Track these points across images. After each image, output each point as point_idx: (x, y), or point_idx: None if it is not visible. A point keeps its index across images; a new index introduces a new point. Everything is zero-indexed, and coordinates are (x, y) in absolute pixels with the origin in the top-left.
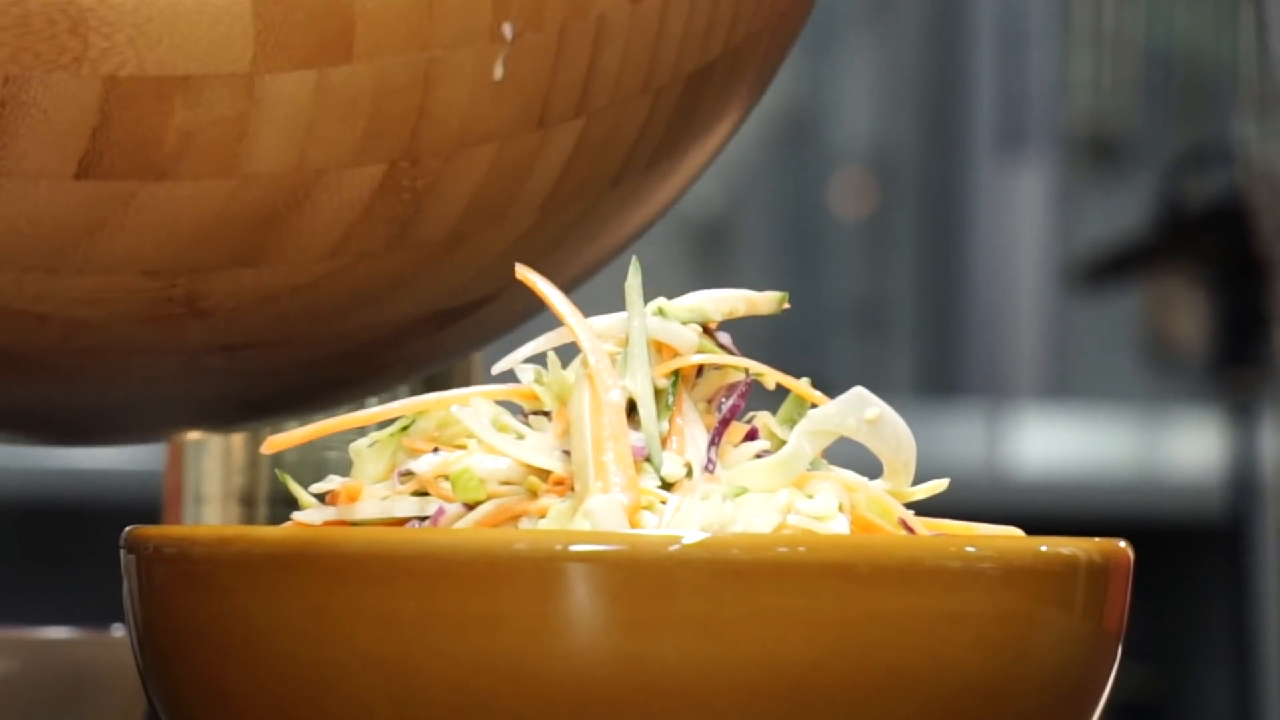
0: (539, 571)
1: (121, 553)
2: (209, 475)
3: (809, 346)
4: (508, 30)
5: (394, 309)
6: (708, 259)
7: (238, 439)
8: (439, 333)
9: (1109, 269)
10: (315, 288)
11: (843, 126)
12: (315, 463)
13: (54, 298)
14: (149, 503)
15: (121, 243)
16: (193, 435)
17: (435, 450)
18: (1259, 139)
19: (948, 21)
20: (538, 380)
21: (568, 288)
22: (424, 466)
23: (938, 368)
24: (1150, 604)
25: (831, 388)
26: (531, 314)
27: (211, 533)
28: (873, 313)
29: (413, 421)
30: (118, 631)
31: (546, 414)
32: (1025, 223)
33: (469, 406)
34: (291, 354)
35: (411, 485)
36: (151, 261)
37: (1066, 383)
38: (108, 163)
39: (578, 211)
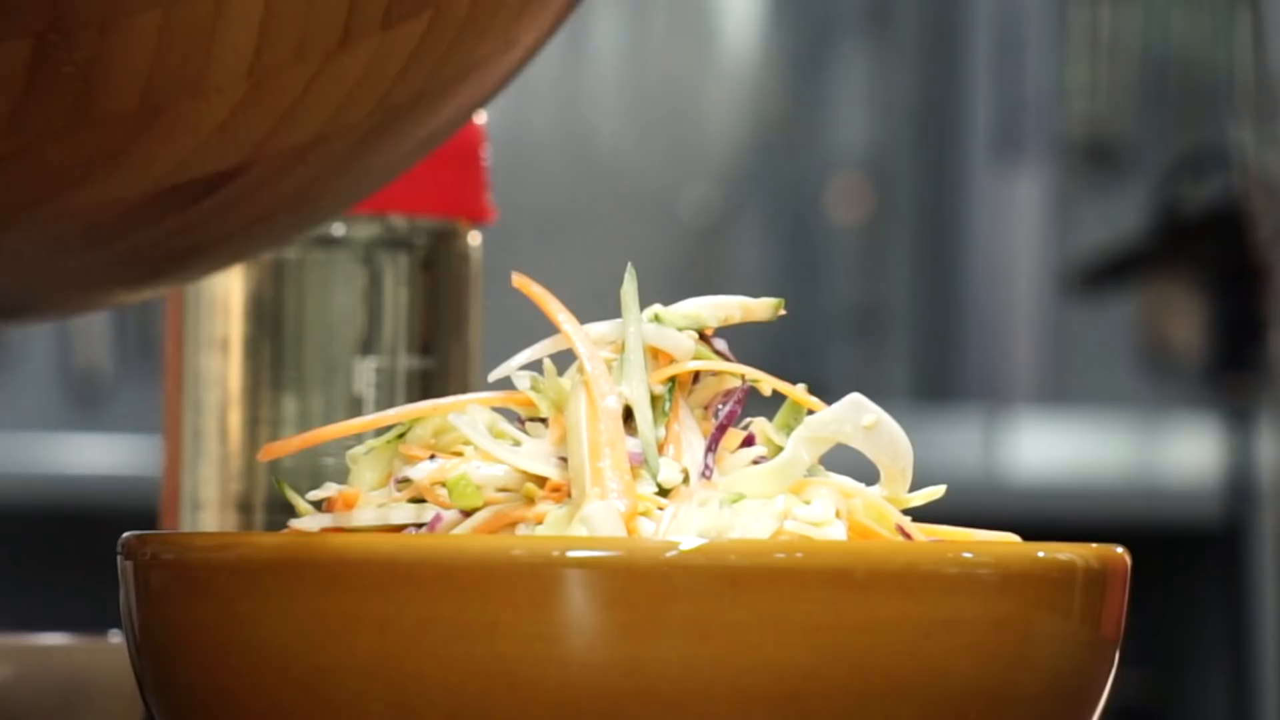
0: (536, 577)
1: (118, 558)
2: (206, 481)
3: (806, 352)
4: None
5: (112, 186)
6: (705, 263)
7: (235, 444)
8: (189, 209)
9: (1106, 274)
10: (4, 167)
11: (839, 132)
12: (312, 469)
13: None
14: (146, 508)
15: None
16: None
17: (432, 457)
18: (1256, 144)
19: (944, 27)
20: (534, 387)
21: (356, 186)
22: (421, 473)
23: (935, 373)
24: (1148, 609)
25: (828, 393)
26: (298, 199)
27: (208, 539)
28: (870, 318)
29: (409, 429)
30: (115, 638)
31: (543, 420)
32: (1022, 228)
33: (465, 413)
34: (16, 239)
35: (408, 492)
36: None
37: (1063, 388)
38: None
39: (303, 77)
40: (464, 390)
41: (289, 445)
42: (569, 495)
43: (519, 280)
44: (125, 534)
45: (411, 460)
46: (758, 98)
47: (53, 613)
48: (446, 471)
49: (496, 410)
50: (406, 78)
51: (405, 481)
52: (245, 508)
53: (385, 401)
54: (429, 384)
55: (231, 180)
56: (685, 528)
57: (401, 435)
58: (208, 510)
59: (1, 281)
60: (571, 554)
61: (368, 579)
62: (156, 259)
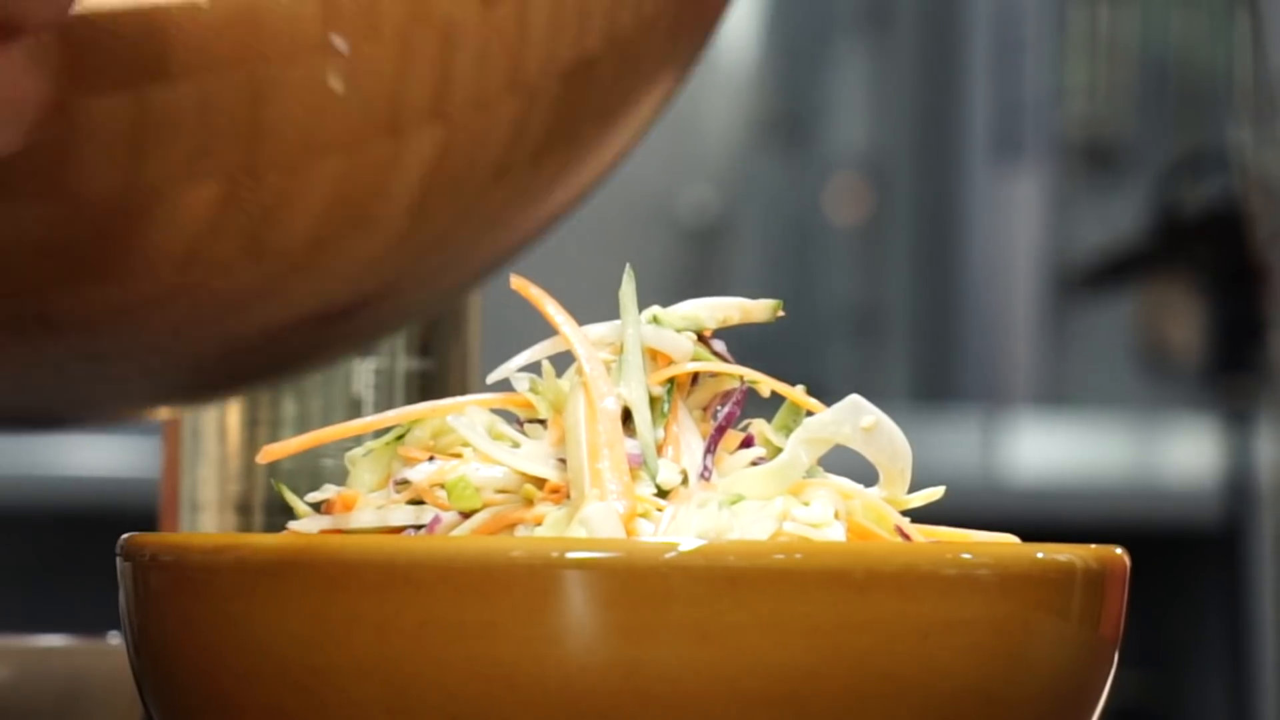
0: (535, 579)
1: (118, 560)
2: (205, 482)
3: (805, 352)
4: (340, 43)
5: (267, 313)
6: (703, 265)
7: (234, 446)
8: (325, 331)
9: (1104, 275)
10: (172, 299)
11: (838, 132)
12: (311, 471)
13: None
14: (145, 510)
15: None
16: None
17: (431, 459)
18: (1254, 145)
19: (943, 28)
20: (533, 389)
21: (476, 279)
22: (419, 475)
23: (933, 374)
24: (1146, 610)
25: (827, 394)
26: (424, 311)
27: (207, 540)
28: (868, 319)
29: (408, 430)
30: (114, 639)
31: (542, 422)
32: (1021, 229)
33: (464, 415)
34: (162, 360)
35: (407, 494)
36: None
37: (1062, 389)
38: None
39: (454, 212)
40: (463, 392)
41: (288, 447)
42: (568, 497)
43: (517, 282)
44: (124, 536)
45: (410, 462)
46: (756, 98)
47: (52, 614)
48: (445, 473)
49: (495, 412)
50: (543, 203)
51: (404, 483)
52: (244, 509)
53: (384, 403)
54: (428, 385)
55: (369, 305)
56: (684, 529)
57: (400, 437)
58: (207, 512)
59: (93, 394)
60: (570, 555)
61: (366, 580)
62: (262, 374)
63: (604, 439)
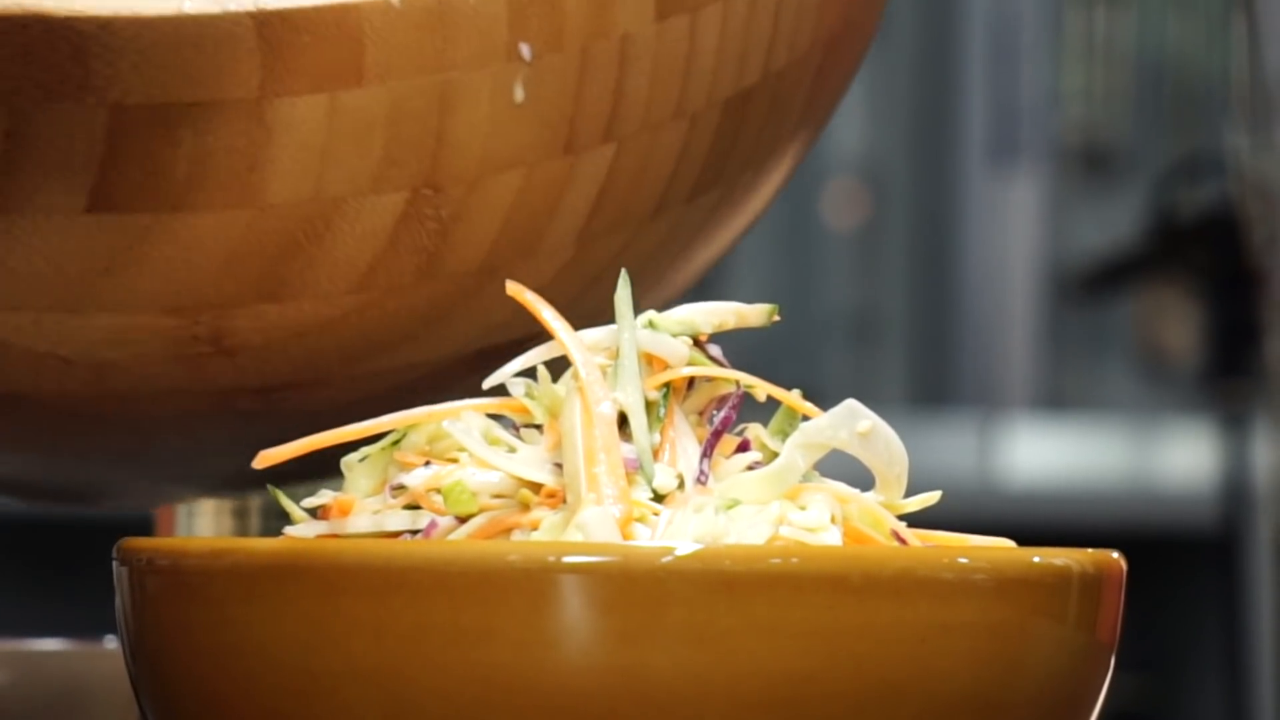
0: (532, 583)
1: (114, 564)
2: None
3: (801, 357)
4: (526, 50)
5: (429, 346)
6: None
7: None
8: (474, 376)
9: (1101, 280)
10: (344, 322)
11: (835, 137)
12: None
13: (76, 339)
14: (141, 514)
15: (140, 278)
16: (225, 498)
17: (427, 464)
18: (1251, 149)
19: (940, 32)
20: (529, 394)
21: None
22: (416, 480)
23: (930, 378)
24: (1143, 614)
25: (824, 398)
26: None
27: (204, 544)
28: (865, 323)
29: (404, 436)
30: (110, 643)
31: (538, 427)
32: (1017, 233)
33: (460, 420)
34: (327, 396)
35: (404, 499)
36: (172, 298)
37: (1059, 393)
38: (119, 195)
39: (617, 244)
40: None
41: (284, 453)
42: (564, 501)
43: (513, 288)
44: (121, 540)
45: (406, 468)
46: None
47: (49, 618)
48: (441, 478)
49: (491, 417)
50: (692, 249)
51: (400, 488)
52: (241, 513)
53: None
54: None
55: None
56: (680, 534)
57: (396, 443)
58: (203, 516)
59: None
60: (567, 560)
61: (363, 585)
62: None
63: (600, 443)
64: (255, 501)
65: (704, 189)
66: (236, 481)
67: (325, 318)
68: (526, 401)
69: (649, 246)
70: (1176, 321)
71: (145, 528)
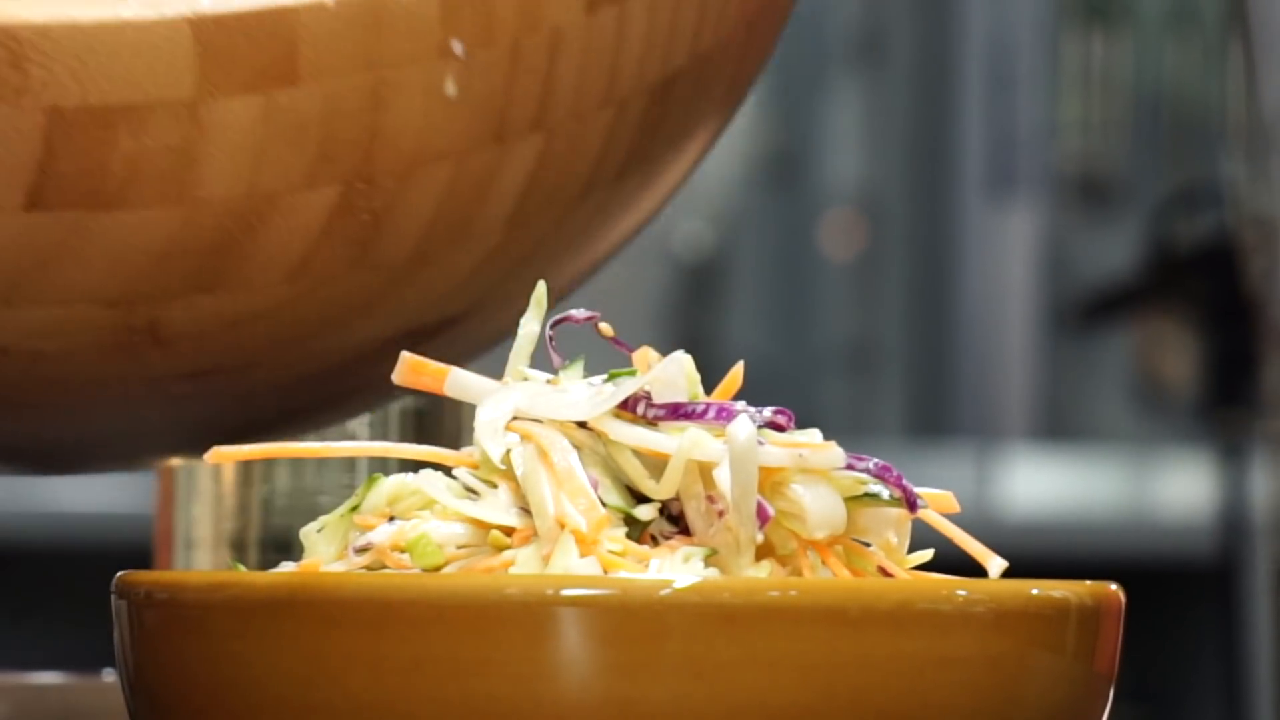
0: (530, 616)
1: (112, 598)
2: (200, 520)
3: (799, 387)
4: (457, 47)
5: (362, 330)
6: (698, 300)
7: (228, 483)
8: (415, 351)
9: (1099, 310)
10: (278, 312)
11: (832, 167)
12: (308, 507)
13: (12, 330)
14: (140, 547)
15: (76, 273)
16: (173, 461)
17: (390, 520)
18: (1248, 180)
19: (937, 63)
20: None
21: (551, 302)
22: (380, 536)
23: (928, 409)
24: (1142, 645)
25: (823, 429)
26: (505, 333)
27: (202, 578)
28: (863, 354)
29: (362, 500)
30: (108, 676)
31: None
32: (1015, 264)
33: (422, 475)
34: (261, 378)
35: (368, 558)
36: (108, 291)
37: (1057, 424)
38: (56, 193)
39: (545, 226)
40: (457, 429)
41: (238, 454)
42: (535, 536)
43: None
44: (119, 573)
45: (367, 530)
46: (750, 133)
47: (47, 652)
48: (406, 533)
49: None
50: (617, 224)
51: (364, 549)
52: (239, 546)
53: (378, 439)
54: (422, 421)
55: (455, 324)
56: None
57: (355, 508)
58: (201, 549)
59: (217, 420)
60: (565, 592)
61: (361, 618)
62: (350, 401)
63: (561, 470)
64: (254, 535)
65: (630, 170)
66: (173, 452)
67: (258, 307)
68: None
69: (576, 226)
70: (1174, 351)
71: (144, 561)
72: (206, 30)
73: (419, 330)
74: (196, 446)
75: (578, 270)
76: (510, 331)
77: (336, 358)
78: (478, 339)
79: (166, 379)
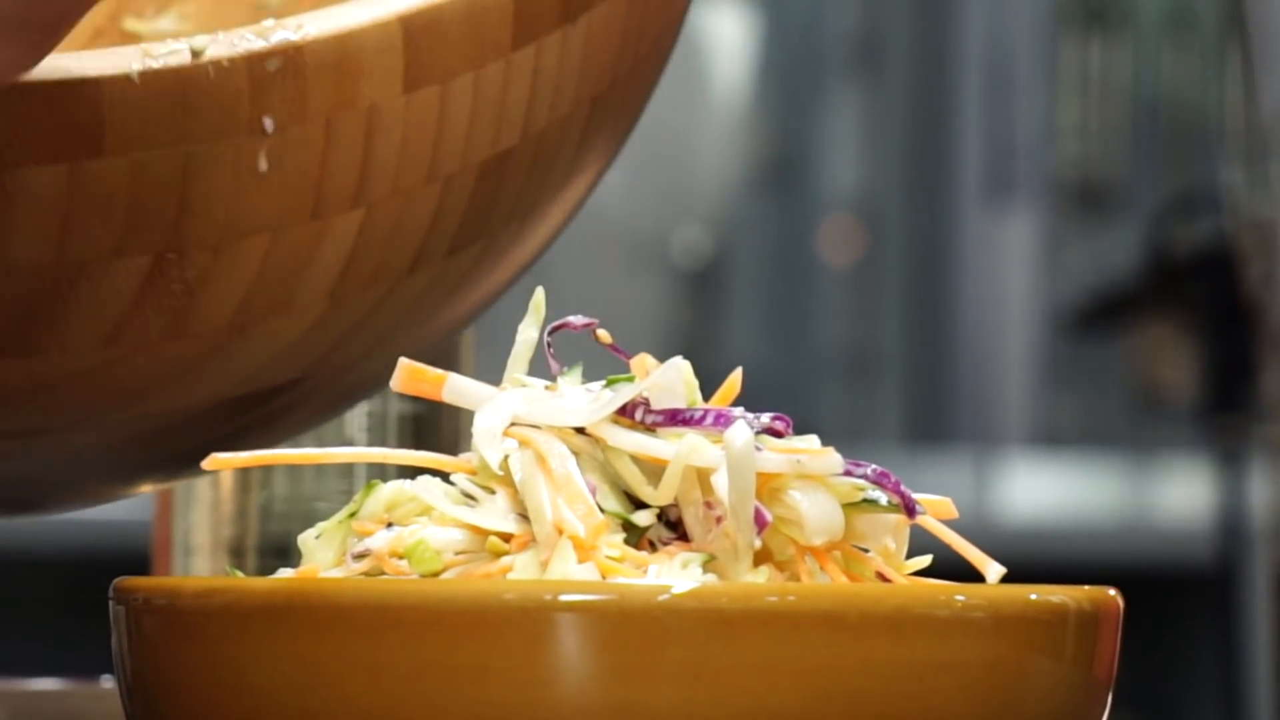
0: (528, 621)
1: (110, 604)
2: (198, 526)
3: (797, 394)
4: (269, 123)
5: (184, 394)
6: (697, 306)
7: (226, 489)
8: (241, 417)
9: (1097, 316)
10: (93, 375)
11: (831, 174)
12: (305, 513)
13: None
14: (138, 553)
15: None
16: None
17: (389, 526)
18: (1246, 186)
19: (935, 68)
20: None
21: (387, 373)
22: (378, 543)
23: (926, 415)
24: (1140, 651)
25: (821, 436)
26: (347, 400)
27: (200, 584)
28: (861, 360)
29: (360, 506)
30: (107, 682)
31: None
32: (1013, 270)
33: (420, 481)
34: (85, 439)
35: (366, 564)
36: None
37: (1055, 429)
38: None
39: (373, 298)
40: (455, 435)
41: (234, 461)
42: (534, 540)
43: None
44: (117, 579)
45: (365, 536)
46: (749, 140)
47: (45, 658)
48: (404, 539)
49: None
50: (459, 298)
51: (361, 555)
52: (237, 552)
53: (377, 445)
54: (420, 428)
55: (287, 391)
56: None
57: (353, 514)
58: (199, 555)
59: (44, 478)
60: (564, 597)
61: (359, 624)
62: (193, 458)
63: (559, 475)
64: (252, 540)
65: (465, 244)
66: (17, 508)
67: (73, 371)
68: (477, 467)
69: (408, 298)
70: (1173, 357)
71: (142, 567)
72: (11, 100)
73: (252, 395)
74: (29, 503)
75: (425, 338)
76: (351, 400)
77: (169, 419)
78: (317, 406)
79: None
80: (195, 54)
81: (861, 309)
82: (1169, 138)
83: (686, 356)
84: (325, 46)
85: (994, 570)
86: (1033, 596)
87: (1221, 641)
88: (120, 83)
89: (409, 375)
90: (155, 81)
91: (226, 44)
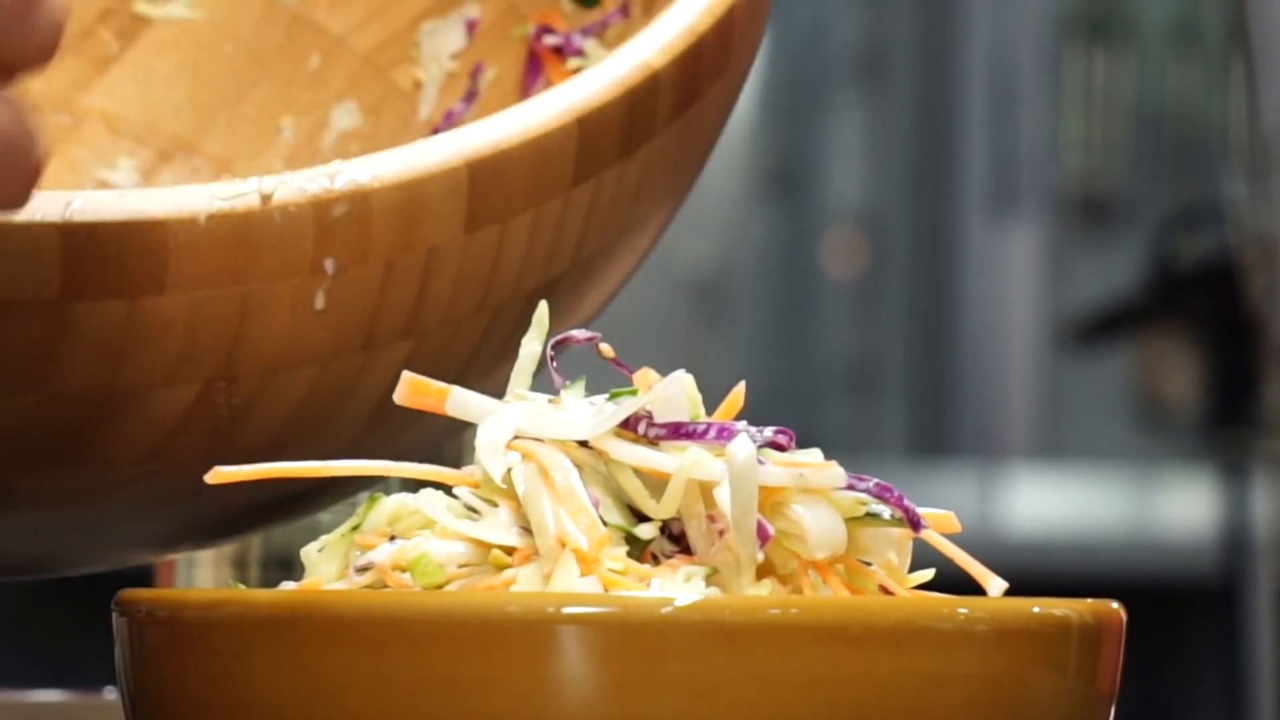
0: (531, 634)
1: (114, 615)
2: None
3: (800, 406)
4: (330, 265)
5: (217, 501)
6: (701, 318)
7: None
8: (272, 513)
9: (1100, 329)
10: (130, 487)
11: (834, 186)
12: (308, 525)
13: None
14: (142, 566)
15: None
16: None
17: (392, 539)
18: (1249, 199)
19: (938, 81)
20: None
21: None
22: (381, 556)
23: (929, 428)
24: (1143, 664)
25: (824, 448)
26: (367, 487)
27: (203, 596)
28: (864, 372)
29: (363, 520)
30: (110, 694)
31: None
32: (1016, 282)
33: (423, 494)
34: (116, 539)
35: (369, 577)
36: None
37: (1058, 442)
38: None
39: (409, 418)
40: (458, 449)
41: (239, 474)
42: (537, 553)
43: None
44: (120, 591)
45: (367, 549)
46: (752, 152)
47: (48, 670)
48: (407, 552)
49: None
50: None
51: (364, 568)
52: (240, 564)
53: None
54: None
55: (318, 493)
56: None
57: (355, 528)
58: (203, 566)
59: (71, 556)
60: (566, 610)
61: (361, 636)
62: (222, 537)
63: (562, 488)
64: (255, 553)
65: (502, 363)
66: (39, 572)
67: (112, 482)
68: (479, 480)
69: (442, 419)
70: (1176, 370)
71: (145, 579)
72: (76, 237)
73: (284, 497)
74: (58, 571)
75: (446, 442)
76: (368, 487)
77: (200, 523)
78: (341, 496)
79: (14, 535)
80: (264, 199)
81: (865, 321)
82: (1172, 151)
83: (689, 369)
84: (392, 192)
85: (996, 585)
86: (1036, 609)
87: (1225, 655)
88: (186, 224)
89: (413, 388)
90: (221, 224)
91: (295, 188)
